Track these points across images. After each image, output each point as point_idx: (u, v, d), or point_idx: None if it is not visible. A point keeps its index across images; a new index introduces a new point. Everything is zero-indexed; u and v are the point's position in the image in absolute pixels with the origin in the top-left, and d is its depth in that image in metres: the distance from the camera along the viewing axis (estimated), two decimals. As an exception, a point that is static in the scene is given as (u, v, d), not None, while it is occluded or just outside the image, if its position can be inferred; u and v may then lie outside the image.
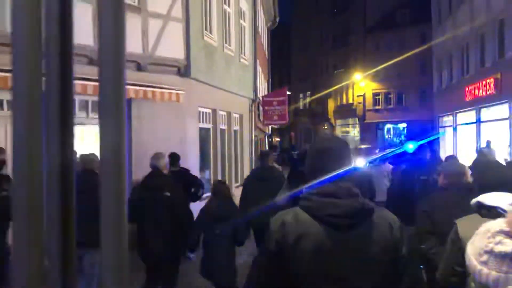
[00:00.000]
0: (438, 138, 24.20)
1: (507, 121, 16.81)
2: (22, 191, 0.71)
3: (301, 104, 55.55)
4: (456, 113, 23.18)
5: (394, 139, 42.77)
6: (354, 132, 49.78)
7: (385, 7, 43.30)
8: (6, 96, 7.05)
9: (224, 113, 13.21)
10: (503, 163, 9.08)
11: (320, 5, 52.70)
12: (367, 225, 1.92)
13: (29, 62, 0.72)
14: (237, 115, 14.63)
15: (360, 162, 11.39)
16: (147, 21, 8.78)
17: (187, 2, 9.58)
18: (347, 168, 2.00)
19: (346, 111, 49.30)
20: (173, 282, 5.46)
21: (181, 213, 5.27)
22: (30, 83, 0.72)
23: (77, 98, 7.79)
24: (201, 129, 11.10)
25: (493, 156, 13.55)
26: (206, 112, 11.65)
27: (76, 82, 7.13)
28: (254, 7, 16.60)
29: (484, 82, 18.26)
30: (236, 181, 13.88)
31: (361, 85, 45.48)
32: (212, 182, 10.76)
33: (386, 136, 44.59)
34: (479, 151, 10.32)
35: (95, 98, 8.00)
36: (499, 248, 1.85)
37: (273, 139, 42.17)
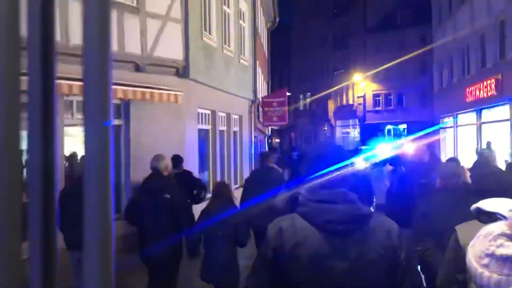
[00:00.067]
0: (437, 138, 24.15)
1: (508, 122, 16.74)
2: (1, 193, 0.70)
3: (301, 105, 55.51)
4: (457, 114, 23.12)
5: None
6: (354, 133, 49.76)
7: (385, 8, 43.28)
8: None
9: (224, 114, 13.15)
10: (504, 164, 9.06)
11: (320, 6, 52.71)
12: (365, 231, 1.91)
13: (8, 61, 0.71)
14: (236, 116, 14.57)
15: (359, 164, 11.36)
16: (145, 21, 8.71)
17: (186, 3, 9.52)
18: (343, 173, 2.01)
19: (346, 112, 49.27)
20: (173, 284, 5.44)
21: (181, 215, 5.24)
22: (9, 83, 0.71)
23: (75, 99, 7.72)
24: (200, 130, 11.04)
25: (493, 158, 13.51)
26: (205, 113, 11.58)
27: (74, 83, 7.05)
28: (253, 8, 16.54)
29: (485, 83, 18.20)
30: (236, 183, 13.82)
31: (361, 86, 45.45)
32: (211, 183, 10.73)
33: (386, 137, 44.53)
34: (480, 152, 10.25)
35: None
36: (500, 251, 1.81)
37: (273, 140, 42.15)
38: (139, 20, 8.62)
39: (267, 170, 6.88)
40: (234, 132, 14.39)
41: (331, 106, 52.25)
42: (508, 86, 16.24)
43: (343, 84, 46.68)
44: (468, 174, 5.17)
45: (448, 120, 24.95)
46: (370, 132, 44.36)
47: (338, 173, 1.99)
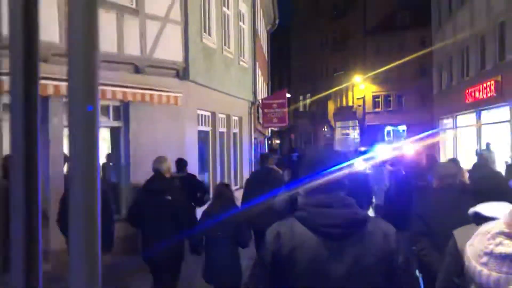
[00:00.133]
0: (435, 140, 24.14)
1: (508, 124, 16.74)
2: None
3: (301, 106, 55.51)
4: (456, 115, 23.12)
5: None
6: (354, 134, 49.74)
7: (385, 10, 43.30)
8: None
9: (223, 116, 13.14)
10: (504, 166, 9.13)
11: (320, 8, 52.73)
12: (362, 235, 1.93)
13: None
14: (236, 118, 14.56)
15: (359, 165, 11.36)
16: (145, 23, 8.70)
17: (186, 4, 9.51)
18: (341, 177, 2.03)
19: (346, 113, 49.27)
20: (174, 284, 5.46)
21: (182, 217, 5.25)
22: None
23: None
24: (200, 132, 11.02)
25: (492, 159, 13.53)
26: (205, 115, 11.57)
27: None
28: (253, 10, 16.54)
29: (484, 85, 18.20)
30: (236, 184, 13.81)
31: (361, 87, 45.45)
32: (211, 185, 10.72)
33: (386, 139, 44.51)
34: (479, 154, 10.26)
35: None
36: (499, 249, 1.84)
37: (273, 142, 42.13)
38: (138, 22, 8.62)
39: (267, 171, 6.92)
40: (234, 134, 14.37)
41: (331, 107, 52.25)
42: (507, 87, 16.24)
43: (343, 86, 46.72)
44: (466, 175, 5.16)
45: (448, 122, 24.95)
46: (369, 134, 44.37)
47: (335, 177, 2.01)
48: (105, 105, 8.37)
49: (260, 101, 18.49)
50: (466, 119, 21.75)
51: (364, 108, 46.23)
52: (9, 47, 0.71)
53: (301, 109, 56.01)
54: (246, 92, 15.25)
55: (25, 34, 0.73)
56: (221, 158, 12.72)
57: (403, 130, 43.80)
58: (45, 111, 7.11)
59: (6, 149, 0.83)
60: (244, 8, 15.36)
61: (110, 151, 9.08)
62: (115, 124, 8.69)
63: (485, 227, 1.97)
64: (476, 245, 1.94)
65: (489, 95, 17.83)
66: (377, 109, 45.69)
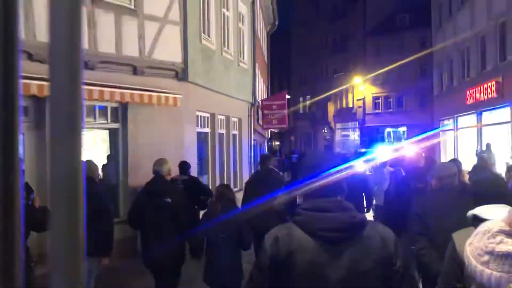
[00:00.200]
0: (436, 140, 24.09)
1: (509, 125, 16.69)
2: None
3: (300, 108, 55.50)
4: (457, 116, 23.07)
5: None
6: (354, 136, 49.73)
7: (384, 11, 43.31)
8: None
9: (223, 117, 13.08)
10: (505, 167, 9.04)
11: (320, 9, 52.79)
12: (360, 239, 1.93)
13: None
14: (235, 119, 14.50)
15: (359, 166, 11.35)
16: (143, 24, 8.64)
17: (185, 5, 9.45)
18: (339, 181, 2.05)
19: (346, 115, 49.28)
20: (175, 287, 5.45)
21: (182, 219, 5.22)
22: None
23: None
24: (199, 133, 10.96)
25: (492, 161, 13.50)
26: (204, 116, 11.51)
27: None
28: (253, 11, 16.50)
29: (485, 86, 18.15)
30: (235, 186, 13.74)
31: (361, 88, 45.45)
32: (210, 187, 10.64)
33: (386, 140, 44.49)
34: (479, 155, 10.20)
35: (90, 103, 7.90)
36: (500, 248, 1.82)
37: (273, 143, 42.11)
38: (137, 23, 8.55)
39: (267, 172, 6.91)
40: (234, 135, 14.32)
41: (331, 109, 52.24)
42: (508, 88, 16.19)
43: (343, 87, 46.73)
44: (467, 176, 5.12)
45: (448, 123, 24.91)
46: (370, 135, 44.36)
47: (333, 181, 2.03)
48: (103, 106, 8.31)
49: (260, 102, 18.44)
50: (467, 120, 21.70)
51: (364, 110, 46.23)
52: None
53: (301, 110, 56.00)
54: (245, 93, 15.19)
55: (5, 32, 0.69)
56: (220, 160, 12.66)
57: (403, 132, 43.81)
58: (42, 113, 7.05)
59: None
60: (244, 9, 15.31)
61: (108, 153, 9.02)
62: (113, 125, 8.62)
63: (484, 226, 1.96)
64: (475, 244, 1.92)
65: (489, 96, 17.78)
66: (377, 111, 45.68)
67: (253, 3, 16.43)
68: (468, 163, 12.30)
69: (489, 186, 2.67)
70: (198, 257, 5.37)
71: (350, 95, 48.73)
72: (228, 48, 13.07)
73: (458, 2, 22.46)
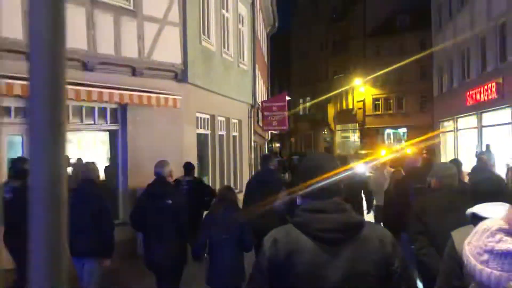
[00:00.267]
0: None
1: (510, 126, 16.66)
2: None
3: (300, 109, 55.47)
4: (457, 118, 23.04)
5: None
6: (354, 138, 49.71)
7: (384, 12, 43.30)
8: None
9: (223, 119, 13.05)
10: (505, 168, 9.09)
11: (319, 10, 52.81)
12: (358, 240, 1.95)
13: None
14: (236, 121, 14.46)
15: (359, 167, 11.36)
16: (142, 25, 8.61)
17: (184, 6, 9.42)
18: (337, 182, 2.07)
19: (346, 116, 49.26)
20: None
21: (183, 221, 5.20)
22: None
23: (70, 104, 7.61)
24: (199, 135, 10.92)
25: (492, 162, 13.46)
26: (204, 118, 11.47)
27: (70, 87, 6.96)
28: (253, 12, 16.47)
29: (485, 87, 18.13)
30: (236, 187, 13.68)
31: (361, 90, 45.46)
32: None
33: (386, 141, 44.48)
34: (479, 156, 10.19)
35: (90, 104, 7.86)
36: (500, 246, 1.81)
37: (273, 145, 42.09)
38: (136, 24, 8.52)
39: (268, 172, 6.86)
40: (234, 137, 14.27)
41: (331, 110, 52.23)
42: (509, 89, 16.16)
43: (343, 89, 46.70)
44: (466, 178, 5.08)
45: (448, 124, 24.88)
46: (370, 137, 44.36)
47: (331, 182, 2.04)
48: (102, 107, 8.28)
49: (260, 104, 18.40)
50: (467, 121, 21.67)
51: (364, 111, 46.21)
52: None
53: (301, 112, 55.97)
54: (245, 95, 15.16)
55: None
56: (220, 161, 12.62)
57: (403, 133, 43.80)
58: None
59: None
60: (244, 11, 15.29)
61: (108, 155, 8.98)
62: (113, 127, 8.59)
63: (483, 224, 1.95)
64: (474, 243, 1.91)
65: (490, 97, 17.76)
66: (377, 112, 45.66)
67: (253, 4, 16.41)
68: (468, 164, 12.27)
69: (488, 186, 2.65)
70: (200, 260, 5.33)
71: (350, 97, 48.73)
72: (228, 50, 13.04)
73: (458, 3, 22.45)
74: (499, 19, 17.27)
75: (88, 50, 7.66)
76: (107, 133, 8.78)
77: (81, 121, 8.07)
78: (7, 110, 6.91)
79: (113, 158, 8.87)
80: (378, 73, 39.50)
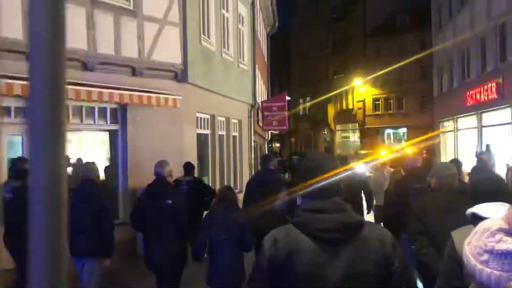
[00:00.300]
0: None
1: (509, 126, 16.64)
2: None
3: (300, 109, 55.45)
4: (457, 118, 23.02)
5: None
6: (354, 138, 49.69)
7: (384, 12, 43.28)
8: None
9: (223, 119, 13.04)
10: (505, 168, 9.09)
11: (319, 10, 52.78)
12: (357, 240, 1.95)
13: None
14: (236, 121, 14.45)
15: (359, 167, 11.36)
16: (142, 25, 8.61)
17: (184, 6, 9.41)
18: (337, 182, 2.07)
19: (346, 116, 49.23)
20: None
21: (183, 221, 5.20)
22: None
23: (71, 104, 7.60)
24: (199, 135, 10.91)
25: (492, 162, 13.45)
26: (204, 118, 11.47)
27: (70, 87, 6.96)
28: (253, 12, 16.46)
29: (485, 87, 18.12)
30: (236, 188, 13.67)
31: (361, 90, 45.44)
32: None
33: (386, 142, 44.47)
34: (478, 156, 10.19)
35: (89, 104, 7.86)
36: (500, 246, 1.80)
37: (273, 145, 42.07)
38: (136, 24, 8.52)
39: (268, 172, 6.85)
40: (234, 137, 14.26)
41: (331, 110, 52.20)
42: (509, 89, 16.16)
43: (343, 89, 46.67)
44: (466, 178, 5.07)
45: (448, 124, 24.87)
46: (370, 137, 44.34)
47: (330, 182, 2.04)
48: (102, 107, 8.27)
49: (260, 104, 18.39)
50: (467, 121, 21.66)
51: (364, 111, 46.19)
52: None
53: (301, 112, 55.94)
54: (245, 95, 15.15)
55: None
56: (220, 161, 12.61)
57: (404, 133, 43.79)
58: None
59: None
60: (244, 11, 15.28)
61: (108, 155, 8.98)
62: (113, 127, 8.58)
63: (483, 224, 1.94)
64: (474, 243, 1.91)
65: (490, 97, 17.74)
66: (377, 112, 45.64)
67: (252, 4, 16.40)
68: (468, 164, 12.26)
69: (488, 186, 2.64)
70: (200, 260, 5.33)
71: (350, 97, 48.70)
72: (228, 50, 13.03)
73: (458, 3, 22.44)
74: (499, 19, 17.26)
75: (88, 50, 7.65)
76: (107, 133, 8.77)
77: (81, 121, 8.07)
78: (7, 110, 6.90)
79: (113, 158, 8.86)
80: (378, 73, 39.49)
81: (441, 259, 2.48)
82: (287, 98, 20.26)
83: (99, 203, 5.11)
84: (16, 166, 5.60)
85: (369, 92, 45.44)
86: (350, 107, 48.91)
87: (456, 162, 5.89)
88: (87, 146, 8.99)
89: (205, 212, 6.88)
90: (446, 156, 24.01)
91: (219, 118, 12.57)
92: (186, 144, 9.73)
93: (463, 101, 20.77)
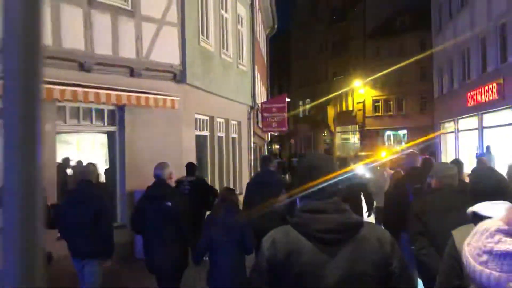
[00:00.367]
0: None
1: (511, 127, 16.58)
2: None
3: (300, 111, 55.45)
4: (458, 119, 22.96)
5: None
6: (354, 139, 49.67)
7: (384, 13, 43.30)
8: None
9: (222, 120, 12.96)
10: (505, 168, 8.97)
11: (319, 12, 52.81)
12: (356, 240, 1.95)
13: None
14: (235, 122, 14.38)
15: (359, 169, 11.30)
16: (140, 25, 8.53)
17: (183, 6, 9.34)
18: (335, 183, 2.07)
19: (346, 118, 49.23)
20: None
21: (183, 223, 5.17)
22: None
23: (68, 105, 7.52)
24: (198, 136, 10.83)
25: (492, 163, 13.39)
26: (203, 119, 11.39)
27: (67, 88, 6.88)
28: (252, 13, 16.42)
29: (486, 88, 18.05)
30: (235, 190, 13.59)
31: (360, 91, 45.44)
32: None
33: (386, 143, 44.44)
34: (478, 159, 10.12)
35: (87, 105, 7.77)
36: (499, 247, 1.79)
37: (273, 147, 42.06)
38: (134, 24, 8.44)
39: (268, 173, 6.83)
40: (233, 138, 14.19)
41: (331, 112, 52.20)
42: (510, 90, 16.10)
43: (343, 90, 46.69)
44: (467, 179, 5.01)
45: (449, 125, 24.82)
46: (370, 138, 44.31)
47: (329, 183, 2.04)
48: (99, 109, 8.18)
49: (260, 105, 18.34)
50: (468, 122, 21.60)
51: (364, 113, 46.19)
52: None
53: (300, 113, 55.95)
54: (245, 96, 15.08)
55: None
56: (219, 163, 12.54)
57: (404, 135, 43.76)
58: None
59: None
60: (243, 12, 15.21)
61: (106, 157, 8.90)
62: (110, 128, 8.50)
63: (482, 225, 1.93)
64: (473, 244, 1.90)
65: (491, 98, 17.68)
66: (377, 114, 45.63)
67: (252, 5, 16.35)
68: (469, 165, 12.18)
69: (489, 184, 2.60)
70: (200, 264, 5.27)
71: (350, 98, 48.71)
72: (227, 50, 12.96)
73: (458, 3, 22.40)
74: (499, 19, 17.20)
75: (85, 50, 7.58)
76: (105, 134, 8.69)
77: (78, 122, 7.97)
78: None
79: (110, 160, 8.78)
80: (378, 75, 39.45)
81: (441, 259, 2.48)
82: (287, 99, 20.21)
83: (99, 203, 5.12)
84: None
85: (369, 94, 45.44)
86: (350, 108, 48.91)
87: (457, 163, 5.85)
88: (84, 148, 8.91)
89: (208, 213, 6.85)
90: (446, 157, 23.95)
91: (218, 119, 12.50)
92: (185, 146, 9.65)
93: (464, 102, 20.72)
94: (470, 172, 6.08)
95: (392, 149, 34.00)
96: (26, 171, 0.62)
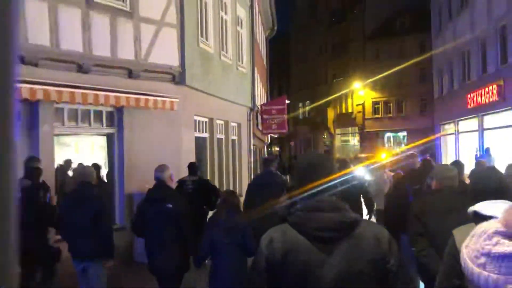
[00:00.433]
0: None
1: (511, 128, 16.53)
2: None
3: (300, 113, 55.41)
4: (458, 120, 22.92)
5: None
6: (354, 141, 49.62)
7: (384, 15, 43.29)
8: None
9: (221, 122, 12.91)
10: (504, 169, 8.99)
11: (318, 14, 52.81)
12: (353, 239, 1.95)
13: None
14: (234, 124, 14.33)
15: (359, 171, 11.27)
16: (139, 26, 8.48)
17: (182, 8, 9.30)
18: (332, 181, 2.07)
19: (345, 120, 49.19)
20: None
21: (184, 225, 5.17)
22: None
23: (66, 107, 7.47)
24: (197, 138, 10.78)
25: (492, 164, 13.35)
26: (202, 121, 11.34)
27: (64, 90, 6.84)
28: (251, 15, 16.39)
29: (486, 89, 18.02)
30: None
31: (360, 93, 45.40)
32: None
33: (386, 145, 44.38)
34: (477, 161, 10.09)
35: (85, 107, 7.71)
36: (497, 249, 1.80)
37: (273, 149, 42.01)
38: (132, 25, 8.40)
39: (269, 174, 6.83)
40: (233, 140, 14.14)
41: (331, 114, 52.16)
42: (510, 91, 16.06)
43: (342, 92, 46.67)
44: (467, 181, 4.97)
45: (449, 127, 24.77)
46: (369, 140, 44.26)
47: (326, 181, 2.05)
48: (98, 110, 8.12)
49: (259, 107, 18.30)
50: (468, 124, 21.55)
51: (363, 114, 46.14)
52: None
53: (300, 115, 55.90)
54: (244, 98, 15.03)
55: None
56: (219, 165, 12.48)
57: (404, 136, 43.71)
58: (34, 117, 6.87)
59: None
60: (242, 13, 15.17)
61: (106, 159, 8.84)
62: (109, 130, 8.44)
63: (480, 227, 1.93)
64: (472, 246, 1.91)
65: (491, 99, 17.64)
66: (377, 115, 45.60)
67: (251, 7, 16.32)
68: (469, 167, 12.14)
69: (489, 184, 2.58)
70: (202, 267, 5.25)
71: (349, 100, 48.67)
72: (226, 52, 12.91)
73: (458, 5, 22.37)
74: (499, 20, 17.17)
75: (83, 51, 7.52)
76: (103, 136, 8.64)
77: (76, 124, 7.91)
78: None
79: (109, 162, 8.72)
80: (378, 76, 39.42)
81: (441, 260, 2.46)
82: (287, 101, 20.17)
83: (99, 204, 5.13)
84: (27, 165, 5.70)
85: (368, 96, 45.41)
86: (350, 110, 48.87)
87: (457, 164, 5.84)
88: (83, 150, 8.86)
89: (210, 213, 6.82)
90: (447, 159, 23.91)
91: (218, 121, 12.45)
92: (184, 148, 9.60)
93: (464, 104, 20.68)
94: (469, 174, 6.07)
95: (392, 151, 33.95)
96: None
